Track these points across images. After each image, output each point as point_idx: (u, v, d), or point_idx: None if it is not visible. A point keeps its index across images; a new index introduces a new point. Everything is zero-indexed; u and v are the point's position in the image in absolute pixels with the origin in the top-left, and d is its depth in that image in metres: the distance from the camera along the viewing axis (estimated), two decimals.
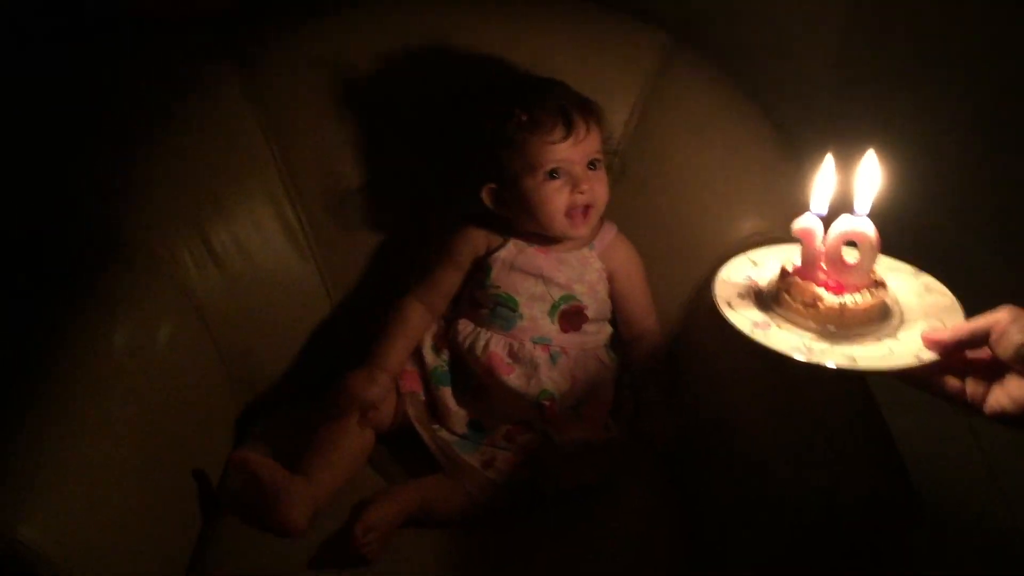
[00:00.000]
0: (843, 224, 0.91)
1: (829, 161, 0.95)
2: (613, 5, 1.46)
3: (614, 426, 1.32)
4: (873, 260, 0.93)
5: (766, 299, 0.96)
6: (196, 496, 1.24)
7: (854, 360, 0.88)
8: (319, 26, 1.41)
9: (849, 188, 0.94)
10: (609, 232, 1.36)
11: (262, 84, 1.37)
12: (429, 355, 1.35)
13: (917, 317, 0.94)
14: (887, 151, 0.95)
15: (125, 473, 1.10)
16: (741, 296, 0.96)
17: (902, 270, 1.01)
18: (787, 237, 1.31)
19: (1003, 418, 0.86)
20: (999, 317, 0.85)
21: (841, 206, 0.94)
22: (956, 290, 0.97)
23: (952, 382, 0.90)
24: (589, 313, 1.33)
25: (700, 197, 1.37)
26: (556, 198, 1.29)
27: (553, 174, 1.28)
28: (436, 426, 1.32)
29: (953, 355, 0.89)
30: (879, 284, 0.94)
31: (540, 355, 1.30)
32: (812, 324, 0.92)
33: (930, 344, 0.89)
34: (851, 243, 0.93)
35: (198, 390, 1.29)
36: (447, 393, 1.33)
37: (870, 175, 0.93)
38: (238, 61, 1.37)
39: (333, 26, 1.41)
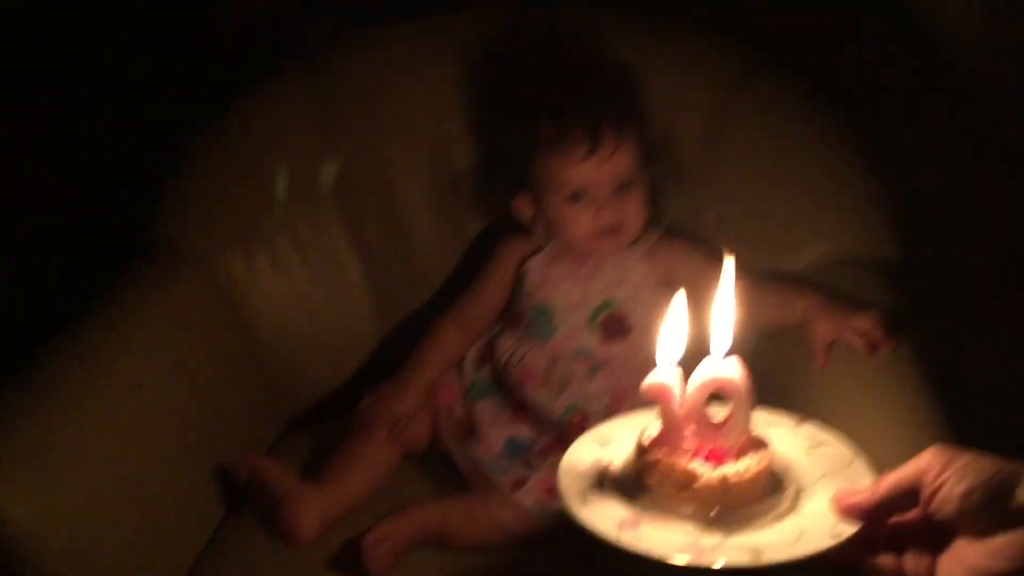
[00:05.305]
0: (703, 372, 0.72)
1: (680, 295, 0.75)
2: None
3: None
4: (748, 412, 0.73)
5: (627, 487, 0.75)
6: (220, 498, 1.22)
7: (759, 553, 0.68)
8: (394, 36, 1.39)
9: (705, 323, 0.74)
10: (652, 234, 1.26)
11: (328, 97, 1.36)
12: (469, 369, 1.29)
13: (815, 480, 0.75)
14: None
15: (135, 465, 1.10)
16: (595, 488, 0.76)
17: (777, 423, 0.80)
18: (856, 261, 1.22)
19: None
20: (925, 465, 0.66)
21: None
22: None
23: (886, 561, 0.70)
24: (632, 321, 1.23)
25: (772, 213, 1.27)
26: (578, 222, 1.21)
27: (575, 196, 1.21)
28: (471, 442, 1.24)
29: (877, 523, 0.70)
30: (760, 444, 0.74)
31: (578, 368, 1.22)
32: (691, 510, 0.72)
33: (845, 511, 0.70)
34: (717, 396, 0.73)
35: (233, 396, 1.28)
36: (483, 408, 1.26)
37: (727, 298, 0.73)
38: (306, 71, 1.37)
39: (408, 38, 1.39)
